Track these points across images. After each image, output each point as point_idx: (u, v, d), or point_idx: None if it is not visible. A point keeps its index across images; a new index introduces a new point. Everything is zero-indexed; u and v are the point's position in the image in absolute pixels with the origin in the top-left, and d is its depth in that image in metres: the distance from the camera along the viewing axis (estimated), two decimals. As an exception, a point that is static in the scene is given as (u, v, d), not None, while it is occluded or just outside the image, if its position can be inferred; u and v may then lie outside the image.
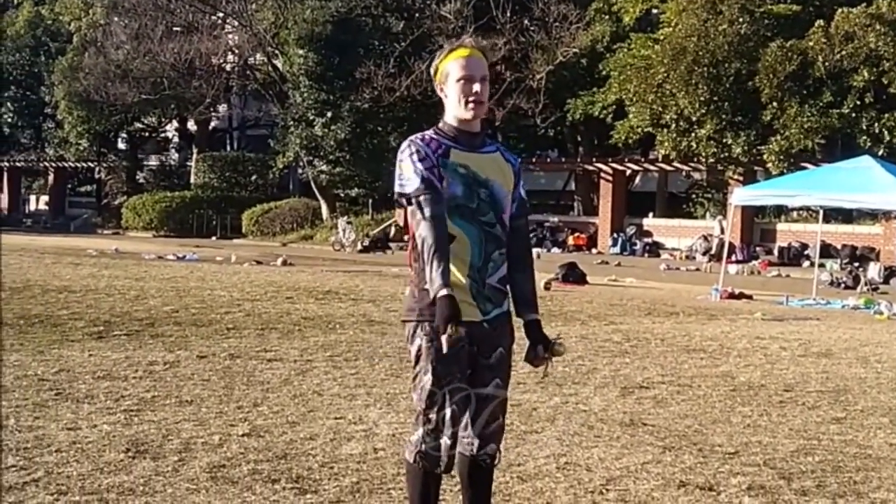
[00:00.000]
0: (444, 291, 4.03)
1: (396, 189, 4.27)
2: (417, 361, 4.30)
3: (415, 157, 4.23)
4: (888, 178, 19.75)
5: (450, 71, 4.30)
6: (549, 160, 46.02)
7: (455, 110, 4.31)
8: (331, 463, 6.06)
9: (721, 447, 6.89)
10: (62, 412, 7.09)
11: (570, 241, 37.82)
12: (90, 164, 59.01)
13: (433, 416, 4.26)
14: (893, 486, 6.13)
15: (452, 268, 4.19)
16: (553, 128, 42.06)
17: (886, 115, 29.23)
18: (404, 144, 4.30)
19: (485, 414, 4.34)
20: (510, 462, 6.17)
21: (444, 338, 4.01)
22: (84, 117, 50.08)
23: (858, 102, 29.52)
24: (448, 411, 4.25)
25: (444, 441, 4.27)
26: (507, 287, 4.41)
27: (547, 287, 20.18)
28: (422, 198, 4.17)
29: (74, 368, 8.86)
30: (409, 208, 4.21)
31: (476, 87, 4.25)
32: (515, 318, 4.47)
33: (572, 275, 22.87)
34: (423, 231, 4.13)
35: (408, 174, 4.23)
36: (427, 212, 4.14)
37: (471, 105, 4.26)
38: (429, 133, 4.36)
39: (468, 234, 4.25)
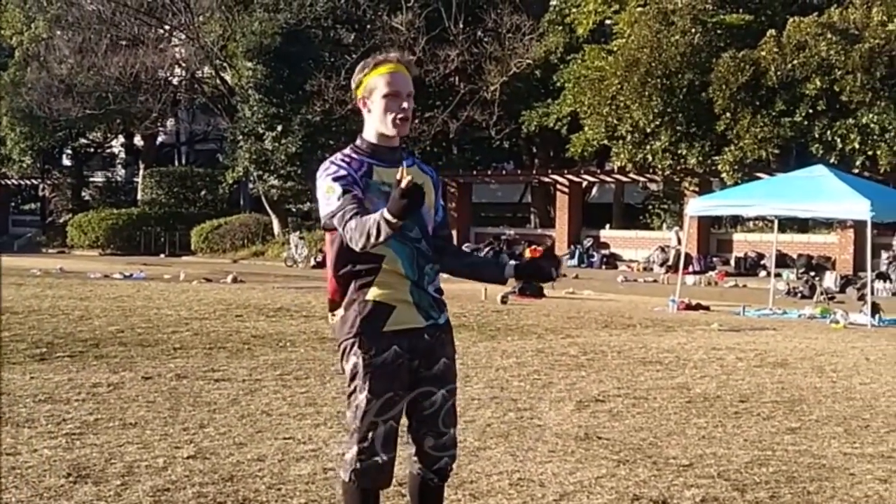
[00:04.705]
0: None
1: (323, 211, 4.18)
2: (353, 379, 4.25)
3: (334, 175, 4.19)
4: (842, 186, 19.85)
5: (376, 86, 4.24)
6: (504, 172, 45.95)
7: (379, 126, 4.26)
8: (279, 484, 5.96)
9: (675, 459, 6.85)
10: (1, 437, 6.92)
11: (527, 253, 37.55)
12: (34, 181, 58.29)
13: (370, 433, 4.20)
14: (847, 495, 6.11)
15: (391, 282, 4.22)
16: (508, 139, 41.96)
17: (838, 123, 29.42)
18: (324, 165, 4.26)
19: (433, 427, 4.32)
20: (462, 480, 6.10)
21: (404, 181, 3.84)
22: (27, 133, 49.23)
23: (811, 111, 29.68)
24: (384, 428, 4.20)
25: (382, 458, 4.21)
26: (443, 297, 4.42)
27: (504, 301, 20.12)
28: (347, 208, 4.08)
29: (15, 392, 8.68)
30: (335, 220, 4.11)
31: (404, 103, 4.22)
32: (505, 284, 4.56)
33: (529, 288, 22.75)
34: (351, 227, 4.01)
35: (328, 193, 4.17)
36: (351, 221, 4.04)
37: (398, 122, 4.22)
38: (347, 152, 4.31)
39: (398, 252, 4.22)
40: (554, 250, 4.60)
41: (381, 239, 3.92)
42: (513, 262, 4.48)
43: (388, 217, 3.84)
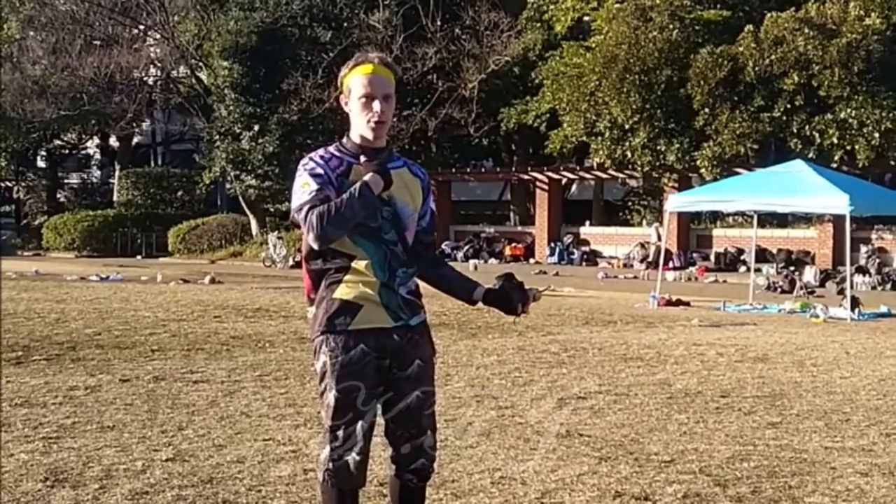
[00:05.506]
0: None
1: (294, 204, 4.17)
2: (323, 378, 4.24)
3: (311, 171, 4.18)
4: (820, 181, 19.89)
5: (352, 87, 4.23)
6: (483, 170, 46.01)
7: (358, 127, 4.25)
8: (259, 486, 5.93)
9: (657, 455, 6.83)
10: (-22, 442, 6.86)
11: (507, 251, 37.76)
12: (8, 183, 58.01)
13: (340, 432, 4.17)
14: (828, 490, 6.10)
15: (360, 281, 4.19)
16: (487, 137, 41.98)
17: (816, 118, 29.51)
18: (303, 161, 4.25)
19: (409, 429, 4.28)
20: (444, 479, 6.07)
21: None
22: (1, 135, 49.13)
23: (789, 106, 29.76)
24: (354, 427, 4.17)
25: (353, 457, 4.18)
26: (420, 298, 4.37)
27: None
28: (315, 202, 4.08)
29: (-8, 396, 8.60)
30: (301, 213, 4.10)
31: (376, 105, 4.18)
32: (473, 306, 4.57)
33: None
34: (313, 217, 4.04)
35: (303, 187, 4.16)
36: (315, 210, 4.06)
37: (371, 125, 4.19)
38: (331, 149, 4.30)
39: (370, 253, 4.20)
40: (524, 285, 4.52)
41: (355, 209, 4.02)
42: (484, 288, 4.47)
43: (369, 178, 4.03)
